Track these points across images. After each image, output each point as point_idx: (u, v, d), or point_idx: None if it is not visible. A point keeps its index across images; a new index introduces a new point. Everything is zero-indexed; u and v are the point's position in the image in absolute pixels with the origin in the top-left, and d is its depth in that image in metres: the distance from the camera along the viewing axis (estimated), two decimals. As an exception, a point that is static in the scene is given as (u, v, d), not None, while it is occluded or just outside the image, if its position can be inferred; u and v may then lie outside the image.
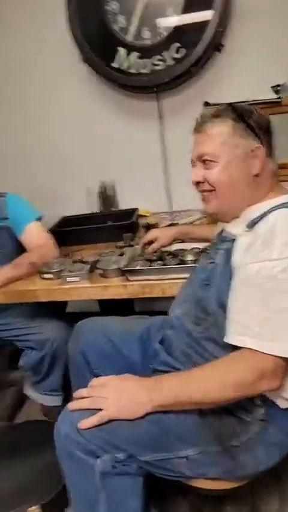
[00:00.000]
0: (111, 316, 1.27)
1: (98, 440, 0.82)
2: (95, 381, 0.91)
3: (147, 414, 0.84)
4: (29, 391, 1.71)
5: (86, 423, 0.82)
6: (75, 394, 0.90)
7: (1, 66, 2.11)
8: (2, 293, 1.38)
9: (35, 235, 1.60)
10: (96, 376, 0.94)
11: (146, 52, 1.82)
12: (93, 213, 2.15)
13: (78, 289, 1.35)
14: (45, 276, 1.41)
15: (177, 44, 1.78)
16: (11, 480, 1.31)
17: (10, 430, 1.65)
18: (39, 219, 1.65)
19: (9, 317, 1.58)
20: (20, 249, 1.61)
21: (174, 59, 1.80)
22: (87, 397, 0.86)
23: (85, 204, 2.16)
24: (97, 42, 1.86)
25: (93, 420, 0.82)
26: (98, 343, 1.15)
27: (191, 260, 1.29)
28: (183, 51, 1.78)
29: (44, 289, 1.37)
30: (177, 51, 1.78)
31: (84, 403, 0.86)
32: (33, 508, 1.23)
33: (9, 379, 1.95)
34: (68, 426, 0.84)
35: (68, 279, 1.36)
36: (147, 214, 2.03)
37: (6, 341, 1.64)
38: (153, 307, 2.09)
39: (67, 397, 1.69)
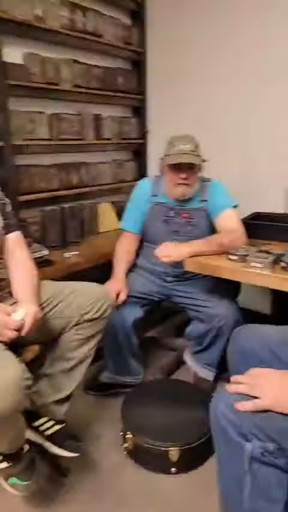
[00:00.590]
0: (268, 325, 1.24)
1: (252, 425, 0.84)
2: (253, 370, 0.93)
3: None
4: (187, 358, 1.88)
5: (241, 405, 0.86)
6: (233, 378, 0.94)
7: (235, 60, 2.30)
8: (190, 262, 1.56)
9: (229, 221, 1.72)
10: None
11: None
12: (285, 213, 2.15)
13: (259, 275, 1.41)
14: (231, 257, 1.51)
15: None
16: (165, 418, 1.51)
17: (170, 381, 1.88)
18: (235, 207, 1.77)
19: (191, 286, 1.78)
20: (212, 230, 1.77)
21: None
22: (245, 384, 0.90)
23: (280, 204, 2.18)
24: None
25: (248, 405, 0.85)
26: (254, 350, 1.14)
27: None
28: None
29: (228, 268, 1.48)
30: None
31: (242, 388, 0.89)
32: (174, 449, 1.39)
33: (173, 344, 2.17)
34: (224, 405, 0.89)
35: (252, 264, 1.44)
36: None
37: (180, 308, 1.85)
38: None
39: (218, 378, 1.80)
